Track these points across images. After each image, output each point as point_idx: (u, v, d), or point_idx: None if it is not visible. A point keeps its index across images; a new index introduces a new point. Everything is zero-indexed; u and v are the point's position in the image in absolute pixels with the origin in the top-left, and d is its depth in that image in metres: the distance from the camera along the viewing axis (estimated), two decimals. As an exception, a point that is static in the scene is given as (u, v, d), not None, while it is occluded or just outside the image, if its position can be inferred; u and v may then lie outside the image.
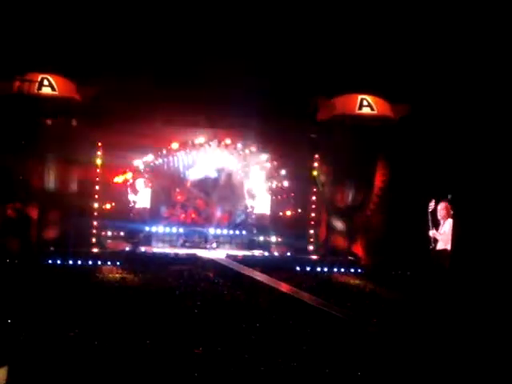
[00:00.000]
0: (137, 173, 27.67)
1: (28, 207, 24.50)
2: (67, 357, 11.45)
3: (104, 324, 13.90)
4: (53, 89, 24.40)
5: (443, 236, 22.59)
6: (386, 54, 26.02)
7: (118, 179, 27.51)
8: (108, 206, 27.00)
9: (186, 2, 26.69)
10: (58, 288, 18.01)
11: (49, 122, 24.94)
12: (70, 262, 23.71)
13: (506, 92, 20.86)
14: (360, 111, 26.05)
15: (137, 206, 27.98)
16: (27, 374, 10.35)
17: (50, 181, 24.69)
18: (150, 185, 28.05)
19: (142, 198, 28.07)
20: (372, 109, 26.05)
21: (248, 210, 29.29)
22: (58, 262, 23.63)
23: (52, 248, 24.29)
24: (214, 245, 28.24)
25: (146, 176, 27.88)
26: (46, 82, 24.31)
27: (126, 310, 15.44)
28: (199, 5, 26.53)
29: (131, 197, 27.74)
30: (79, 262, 23.83)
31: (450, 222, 22.15)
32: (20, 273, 20.72)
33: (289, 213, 28.68)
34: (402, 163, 25.51)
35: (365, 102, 26.05)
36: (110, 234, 27.22)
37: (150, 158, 27.63)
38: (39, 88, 24.23)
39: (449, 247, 21.54)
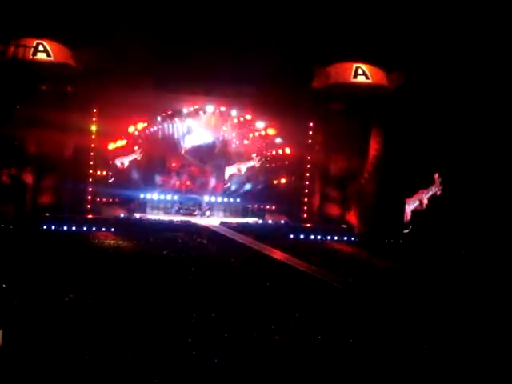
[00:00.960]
0: (131, 139, 27.70)
1: (23, 173, 24.53)
2: (61, 321, 11.51)
3: (97, 290, 13.94)
4: (48, 54, 24.33)
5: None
6: (381, 22, 25.93)
7: (113, 146, 27.54)
8: (104, 173, 27.10)
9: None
10: (52, 253, 18.05)
11: (44, 87, 24.88)
12: (65, 228, 23.81)
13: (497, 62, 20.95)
14: (355, 80, 26.04)
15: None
16: (22, 337, 10.41)
17: (45, 147, 24.66)
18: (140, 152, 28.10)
19: (136, 164, 28.16)
20: (367, 77, 26.03)
21: (242, 178, 29.33)
22: (53, 227, 23.72)
23: (47, 214, 24.33)
24: (208, 212, 28.32)
25: (140, 142, 27.91)
26: (41, 48, 24.23)
27: (119, 276, 15.47)
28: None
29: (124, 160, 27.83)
30: (74, 228, 23.93)
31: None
32: (15, 238, 20.78)
33: (283, 181, 28.78)
34: (396, 132, 25.57)
35: (360, 71, 26.02)
36: (104, 200, 27.27)
37: (144, 125, 27.62)
38: (34, 53, 24.18)
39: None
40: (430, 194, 23.90)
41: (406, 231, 24.83)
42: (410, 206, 23.75)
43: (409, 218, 23.57)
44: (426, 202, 23.24)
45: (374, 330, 11.91)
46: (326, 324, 12.24)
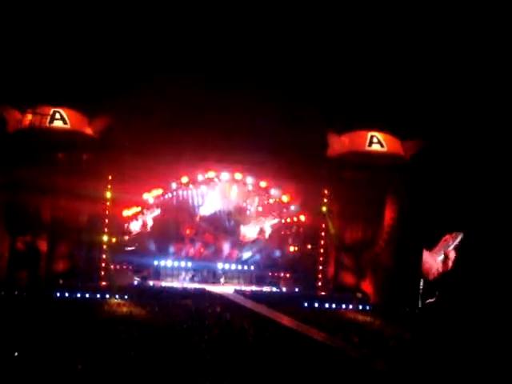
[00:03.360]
0: (146, 207, 27.79)
1: (37, 240, 24.56)
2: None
3: (110, 359, 13.81)
4: (64, 122, 24.57)
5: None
6: (396, 91, 26.15)
7: (128, 213, 27.61)
8: (118, 239, 27.13)
9: (199, 38, 26.90)
10: (64, 322, 17.93)
11: (60, 155, 25.03)
12: (78, 295, 23.73)
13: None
14: (370, 148, 26.14)
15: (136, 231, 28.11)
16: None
17: (60, 214, 24.73)
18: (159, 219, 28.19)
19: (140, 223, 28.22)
20: (382, 146, 26.13)
21: (257, 246, 29.27)
22: (66, 294, 23.64)
23: (61, 281, 24.30)
24: (222, 279, 28.24)
25: (156, 210, 27.97)
26: (57, 116, 24.48)
27: (131, 345, 15.33)
28: (213, 42, 26.76)
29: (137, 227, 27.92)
30: (87, 296, 23.84)
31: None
32: (28, 306, 20.68)
33: (297, 248, 28.67)
34: (411, 201, 25.53)
35: (375, 139, 26.13)
36: (118, 267, 27.21)
37: (159, 192, 27.72)
38: (51, 121, 24.41)
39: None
40: (456, 243, 23.42)
41: (430, 300, 24.42)
42: (435, 259, 22.95)
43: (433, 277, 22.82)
44: (452, 256, 22.58)
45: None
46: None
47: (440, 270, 21.37)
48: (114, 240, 26.78)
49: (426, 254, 21.31)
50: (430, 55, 27.35)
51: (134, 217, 27.75)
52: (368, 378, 13.29)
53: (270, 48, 27.29)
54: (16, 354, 13.50)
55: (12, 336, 15.19)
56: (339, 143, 26.53)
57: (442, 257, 22.69)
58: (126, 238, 27.74)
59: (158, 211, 28.34)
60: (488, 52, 26.72)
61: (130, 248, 27.66)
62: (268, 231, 29.29)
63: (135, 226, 27.75)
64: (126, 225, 27.78)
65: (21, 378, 11.75)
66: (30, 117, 23.82)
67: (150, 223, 27.98)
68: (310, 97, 27.36)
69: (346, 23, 27.68)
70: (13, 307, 20.15)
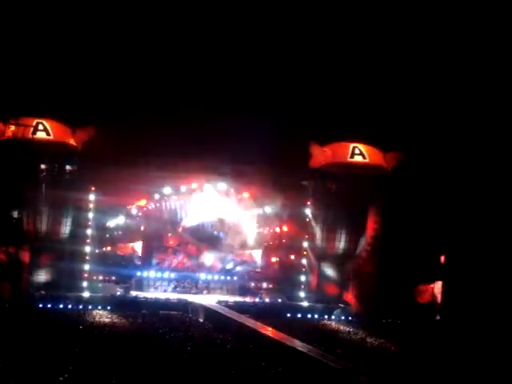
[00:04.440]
0: (129, 217, 27.81)
1: (20, 251, 24.49)
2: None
3: (92, 370, 13.83)
4: (48, 133, 24.54)
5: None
6: (378, 104, 26.35)
7: (111, 223, 27.62)
8: (101, 250, 27.13)
9: (186, 47, 26.98)
10: (47, 333, 17.92)
11: (43, 166, 24.97)
12: (61, 306, 23.71)
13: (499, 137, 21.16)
14: (352, 159, 26.29)
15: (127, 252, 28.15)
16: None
17: (43, 225, 24.70)
18: (142, 229, 28.20)
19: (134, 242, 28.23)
20: (364, 157, 26.29)
21: (239, 257, 29.32)
22: (49, 305, 23.62)
23: (43, 292, 24.23)
24: (205, 291, 28.26)
25: (138, 220, 27.99)
26: (41, 127, 24.45)
27: (114, 356, 15.35)
28: (201, 52, 26.86)
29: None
30: (70, 306, 23.83)
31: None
32: (10, 317, 20.63)
33: (280, 259, 28.70)
34: (393, 212, 25.68)
35: (357, 151, 26.30)
36: (101, 278, 27.15)
37: (142, 202, 27.75)
38: (34, 132, 24.37)
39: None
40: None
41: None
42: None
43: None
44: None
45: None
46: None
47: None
48: (97, 251, 26.82)
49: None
50: (410, 69, 27.60)
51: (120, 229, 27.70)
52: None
53: (254, 62, 27.44)
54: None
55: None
56: (322, 154, 26.66)
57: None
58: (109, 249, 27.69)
59: (140, 222, 28.32)
60: (467, 64, 27.01)
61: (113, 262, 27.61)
62: (251, 242, 29.27)
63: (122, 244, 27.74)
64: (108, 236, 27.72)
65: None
66: (12, 128, 23.74)
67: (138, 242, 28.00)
68: (293, 108, 27.51)
69: (328, 37, 27.88)
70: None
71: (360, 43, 27.79)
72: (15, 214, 24.45)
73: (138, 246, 28.50)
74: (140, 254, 28.52)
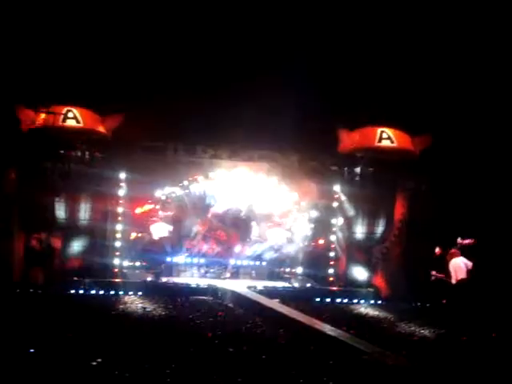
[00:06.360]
0: (159, 204, 27.97)
1: (52, 238, 24.78)
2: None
3: (124, 355, 13.99)
4: (77, 121, 24.73)
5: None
6: (406, 86, 26.24)
7: (140, 210, 27.82)
8: (131, 236, 27.36)
9: (214, 31, 27.00)
10: (79, 319, 18.13)
11: (73, 153, 25.21)
12: (93, 292, 23.99)
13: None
14: (379, 144, 26.24)
15: (159, 236, 28.26)
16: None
17: (74, 212, 24.95)
18: (171, 216, 28.35)
19: (163, 228, 28.34)
20: (392, 141, 26.22)
21: (269, 241, 29.39)
22: (81, 291, 23.91)
23: (75, 278, 24.49)
24: (228, 275, 28.37)
25: (168, 207, 28.14)
26: (70, 115, 24.65)
27: (146, 341, 15.51)
28: (227, 35, 26.86)
29: (153, 227, 28.07)
30: (101, 292, 24.10)
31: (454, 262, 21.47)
32: (43, 303, 20.92)
33: (309, 244, 28.78)
34: (422, 196, 25.65)
35: (384, 135, 26.23)
36: (132, 264, 27.40)
37: (171, 189, 27.90)
38: (64, 120, 24.56)
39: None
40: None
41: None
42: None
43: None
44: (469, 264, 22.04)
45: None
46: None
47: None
48: (130, 236, 27.09)
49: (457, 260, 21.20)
50: (439, 50, 27.42)
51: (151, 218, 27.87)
52: (380, 373, 13.40)
53: (279, 45, 27.42)
54: (32, 350, 13.69)
55: (27, 333, 15.40)
56: (349, 139, 26.65)
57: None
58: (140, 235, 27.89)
59: (170, 208, 28.48)
60: (498, 46, 26.79)
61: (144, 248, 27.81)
62: (280, 227, 29.35)
63: (153, 231, 27.90)
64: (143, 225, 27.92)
65: (37, 375, 11.92)
66: (43, 116, 23.95)
67: (168, 228, 28.13)
68: (321, 93, 27.48)
69: (353, 19, 27.80)
70: (28, 304, 20.40)
71: (385, 25, 27.67)
72: (46, 201, 24.72)
73: (167, 232, 28.61)
74: (170, 240, 28.64)
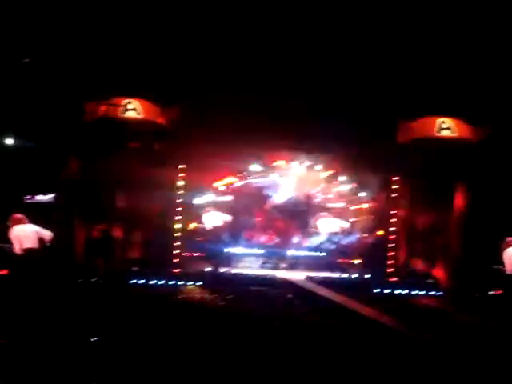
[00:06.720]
0: (217, 194, 28.16)
1: (112, 228, 25.09)
2: (150, 375, 11.72)
3: (186, 344, 14.13)
4: (137, 112, 24.92)
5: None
6: (465, 76, 25.91)
7: (200, 200, 28.02)
8: (190, 227, 27.58)
9: (274, 24, 26.94)
10: (140, 307, 18.39)
11: (132, 145, 25.46)
12: (153, 282, 24.22)
13: None
14: (439, 134, 25.98)
15: (213, 226, 28.46)
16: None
17: (134, 202, 25.21)
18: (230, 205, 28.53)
19: (219, 218, 28.52)
20: (452, 131, 25.95)
21: (327, 232, 29.37)
22: (141, 281, 24.16)
23: (135, 268, 24.77)
24: (286, 265, 28.36)
25: (226, 197, 28.32)
26: (130, 106, 24.84)
27: (207, 330, 15.65)
28: (286, 30, 26.79)
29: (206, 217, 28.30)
30: (161, 282, 24.33)
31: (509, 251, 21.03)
32: (104, 292, 21.23)
33: (368, 235, 28.69)
34: (482, 187, 25.35)
35: (444, 125, 25.96)
36: (190, 254, 27.59)
37: (230, 179, 28.05)
38: (124, 112, 24.78)
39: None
40: None
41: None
42: None
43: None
44: None
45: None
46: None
47: None
48: (189, 227, 27.31)
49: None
50: (496, 39, 27.02)
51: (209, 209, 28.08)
52: (440, 364, 13.34)
53: (337, 36, 27.27)
54: (95, 339, 13.92)
55: (90, 322, 15.66)
56: (409, 130, 26.44)
57: None
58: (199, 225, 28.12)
59: (229, 199, 28.66)
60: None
61: (202, 238, 28.02)
62: (339, 218, 29.33)
63: (211, 220, 28.09)
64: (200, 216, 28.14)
65: (100, 363, 12.10)
66: (104, 108, 24.20)
67: (226, 218, 28.30)
68: (379, 82, 27.27)
69: (407, 9, 27.51)
70: (90, 293, 20.72)
71: (443, 14, 27.32)
72: (107, 192, 25.03)
73: (223, 222, 28.77)
74: (229, 231, 28.79)
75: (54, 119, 23.54)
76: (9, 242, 20.86)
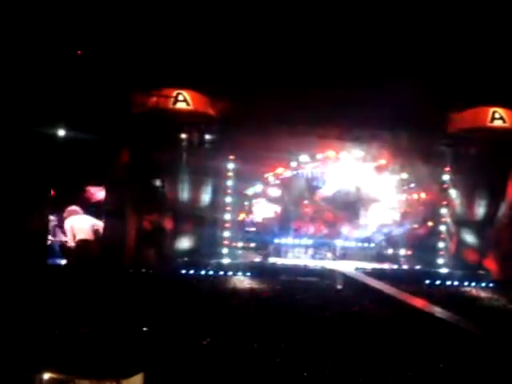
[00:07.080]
0: (267, 185, 28.17)
1: (163, 219, 25.24)
2: (200, 364, 11.78)
3: (234, 334, 14.18)
4: (187, 104, 25.01)
5: None
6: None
7: (249, 191, 28.07)
8: (240, 218, 27.67)
9: (319, 15, 26.82)
10: (190, 297, 18.51)
11: (182, 136, 25.60)
12: (202, 272, 24.35)
13: None
14: (491, 124, 25.69)
15: (262, 217, 28.49)
16: (163, 381, 10.72)
17: (185, 193, 25.35)
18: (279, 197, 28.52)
19: (268, 209, 28.55)
20: (504, 121, 25.65)
21: (377, 224, 29.22)
22: (191, 272, 24.30)
23: (186, 258, 24.91)
24: (336, 256, 28.26)
25: (276, 188, 28.30)
26: (180, 97, 24.94)
27: (255, 321, 15.68)
28: (334, 18, 26.64)
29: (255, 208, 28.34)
30: (211, 273, 24.44)
31: None
32: (155, 282, 21.39)
33: (418, 226, 28.49)
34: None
35: (497, 115, 25.67)
36: (240, 245, 27.67)
37: (280, 170, 28.03)
38: (174, 103, 24.90)
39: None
40: None
41: None
42: None
43: None
44: None
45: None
46: (470, 375, 12.01)
47: None
48: (239, 217, 27.40)
49: None
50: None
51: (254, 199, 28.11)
52: (495, 356, 13.20)
53: (390, 25, 27.06)
54: (145, 329, 14.03)
55: (141, 311, 15.79)
56: (460, 120, 26.20)
57: None
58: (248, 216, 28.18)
59: (279, 190, 28.65)
60: None
61: (252, 229, 28.09)
62: (389, 209, 29.14)
63: (260, 211, 28.12)
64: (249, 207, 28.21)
65: (150, 352, 12.18)
66: (154, 99, 24.34)
67: (275, 209, 28.32)
68: (430, 72, 27.02)
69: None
70: (141, 284, 20.90)
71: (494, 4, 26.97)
72: (158, 183, 25.21)
73: (275, 214, 28.78)
74: (278, 222, 28.81)
75: (105, 111, 23.73)
76: (55, 234, 21.23)
